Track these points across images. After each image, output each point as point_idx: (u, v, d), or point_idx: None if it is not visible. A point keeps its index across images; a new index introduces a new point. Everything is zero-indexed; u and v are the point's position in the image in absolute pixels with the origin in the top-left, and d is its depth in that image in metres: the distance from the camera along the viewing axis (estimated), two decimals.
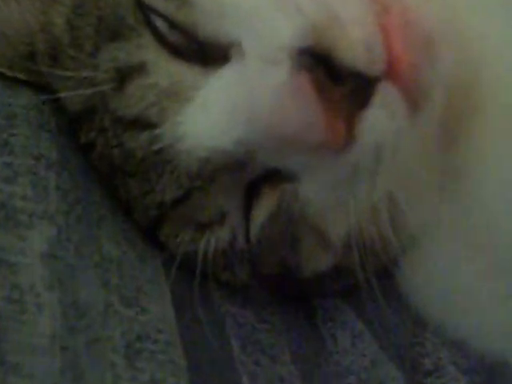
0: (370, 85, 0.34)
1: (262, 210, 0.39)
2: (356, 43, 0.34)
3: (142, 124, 0.38)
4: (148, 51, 0.38)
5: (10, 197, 0.38)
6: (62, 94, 0.42)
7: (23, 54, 0.44)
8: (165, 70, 0.37)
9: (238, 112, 0.35)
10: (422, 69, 0.36)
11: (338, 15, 0.34)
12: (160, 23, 0.37)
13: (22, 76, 0.45)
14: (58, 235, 0.38)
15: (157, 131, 0.38)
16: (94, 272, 0.38)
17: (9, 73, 0.45)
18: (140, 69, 0.38)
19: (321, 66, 0.34)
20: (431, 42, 0.36)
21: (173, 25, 0.37)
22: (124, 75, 0.38)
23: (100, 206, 0.42)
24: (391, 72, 0.35)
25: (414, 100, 0.36)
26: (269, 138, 0.35)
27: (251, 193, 0.39)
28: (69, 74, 0.41)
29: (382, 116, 0.35)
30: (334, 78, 0.34)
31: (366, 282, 0.40)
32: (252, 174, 0.38)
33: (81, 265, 0.38)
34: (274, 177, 0.39)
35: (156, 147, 0.38)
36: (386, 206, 0.39)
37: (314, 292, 0.46)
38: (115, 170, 0.41)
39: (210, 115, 0.36)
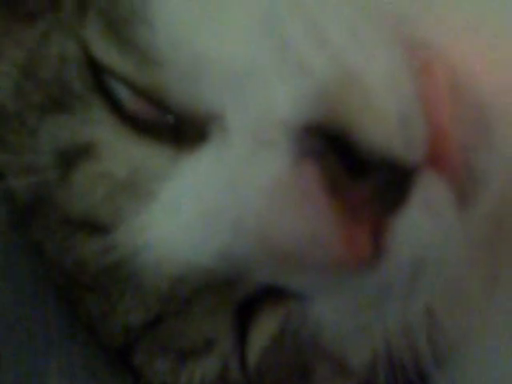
0: (406, 177, 0.26)
1: (261, 334, 0.32)
2: (386, 118, 0.25)
3: (91, 226, 0.31)
4: (99, 127, 0.30)
5: None
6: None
7: None
8: (121, 153, 0.30)
9: (219, 215, 0.27)
10: (475, 150, 0.27)
11: (360, 75, 0.25)
12: (117, 88, 0.30)
13: None
14: None
15: (110, 237, 0.30)
16: None
17: None
18: (88, 151, 0.30)
19: (334, 151, 0.25)
20: (487, 113, 0.27)
21: (134, 90, 0.29)
22: (68, 160, 0.31)
23: (53, 327, 0.35)
24: (435, 157, 0.26)
25: (465, 191, 0.28)
26: (261, 252, 0.27)
27: (245, 312, 0.32)
28: (7, 157, 0.33)
29: (422, 219, 0.27)
30: (353, 169, 0.25)
31: None
32: (243, 292, 0.31)
33: None
34: (274, 292, 0.31)
35: (110, 259, 0.30)
36: (423, 323, 0.32)
37: None
38: (69, 281, 0.34)
39: (180, 218, 0.28)
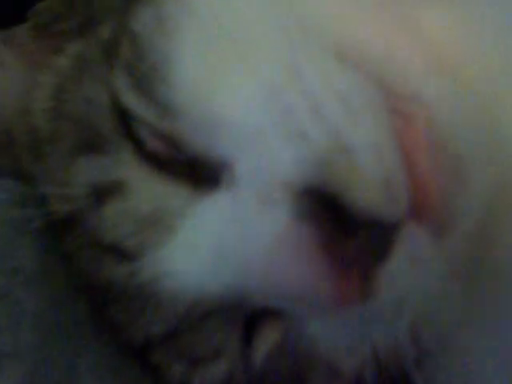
0: (391, 230, 0.29)
1: (264, 344, 0.35)
2: (371, 184, 0.28)
3: (119, 254, 0.34)
4: (127, 168, 0.33)
5: None
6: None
7: (3, 141, 0.40)
8: (147, 191, 0.33)
9: (228, 254, 0.30)
10: (451, 195, 0.30)
11: (349, 146, 0.28)
12: (143, 133, 0.32)
13: (4, 161, 0.41)
14: (29, 377, 0.34)
15: (135, 264, 0.33)
16: None
17: None
18: (118, 189, 0.33)
19: (328, 211, 0.28)
20: (461, 163, 0.30)
21: (157, 134, 0.32)
22: (100, 194, 0.33)
23: (83, 329, 0.38)
24: (417, 210, 0.29)
25: (440, 227, 0.30)
26: (262, 290, 0.30)
27: (250, 325, 0.35)
28: (44, 187, 0.36)
29: (405, 266, 0.30)
30: (346, 227, 0.28)
31: None
32: (248, 312, 0.34)
33: None
34: (273, 314, 0.34)
35: (135, 282, 0.33)
36: (408, 338, 0.34)
37: None
38: (96, 292, 0.36)
39: (196, 253, 0.32)
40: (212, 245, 0.31)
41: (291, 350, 0.35)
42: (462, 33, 0.33)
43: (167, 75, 0.31)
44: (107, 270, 0.34)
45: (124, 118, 0.33)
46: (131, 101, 0.32)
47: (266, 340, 0.35)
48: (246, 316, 0.34)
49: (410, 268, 0.30)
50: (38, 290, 0.37)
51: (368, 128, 0.28)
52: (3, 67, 0.41)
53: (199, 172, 0.31)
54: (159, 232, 0.32)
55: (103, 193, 0.33)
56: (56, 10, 0.40)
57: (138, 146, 0.33)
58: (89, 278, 0.36)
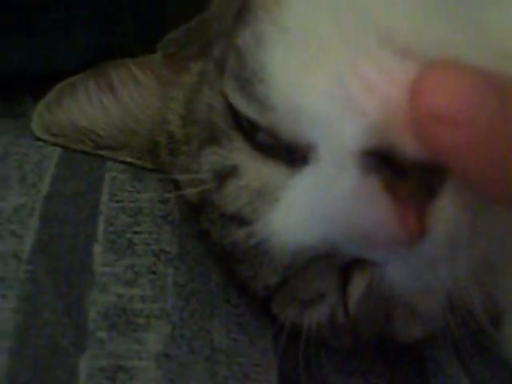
0: (437, 174, 0.34)
1: (355, 290, 0.42)
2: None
3: (239, 221, 0.42)
4: (239, 154, 0.41)
5: (129, 300, 0.43)
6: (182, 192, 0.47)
7: (149, 147, 0.49)
8: (254, 172, 0.40)
9: (317, 214, 0.37)
10: None
11: (397, 111, 0.33)
12: (247, 126, 0.40)
13: (149, 166, 0.50)
14: (172, 333, 0.42)
15: (251, 228, 0.41)
16: (203, 366, 0.42)
17: (138, 163, 0.50)
18: (233, 171, 0.41)
19: (387, 164, 0.34)
20: None
21: (258, 127, 0.39)
22: (221, 176, 0.42)
23: (214, 295, 0.46)
24: None
25: None
26: (346, 237, 0.37)
27: (344, 275, 0.42)
28: (179, 176, 0.46)
29: (452, 205, 0.35)
30: (400, 173, 0.34)
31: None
32: (340, 263, 0.41)
33: (191, 361, 0.42)
34: (360, 263, 0.41)
35: (252, 242, 0.41)
36: (474, 285, 0.40)
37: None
38: (227, 256, 0.45)
39: (294, 215, 0.39)
40: (305, 207, 0.38)
41: (376, 293, 0.41)
42: None
43: (264, 78, 0.38)
44: (231, 234, 0.43)
45: (234, 115, 0.41)
46: (237, 100, 0.40)
47: (357, 287, 0.42)
48: (339, 265, 0.41)
49: (458, 207, 0.35)
50: (178, 267, 0.45)
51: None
52: (140, 86, 0.50)
53: (293, 154, 0.38)
54: (267, 201, 0.40)
55: (223, 175, 0.42)
56: (180, 41, 0.50)
57: (246, 137, 0.40)
58: (220, 246, 0.45)
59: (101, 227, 0.46)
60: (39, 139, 0.51)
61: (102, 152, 0.51)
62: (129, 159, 0.50)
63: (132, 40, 0.50)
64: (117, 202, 0.48)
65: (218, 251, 0.46)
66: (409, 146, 0.33)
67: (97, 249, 0.45)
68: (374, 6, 0.36)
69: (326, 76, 0.36)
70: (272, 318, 0.45)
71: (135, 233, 0.46)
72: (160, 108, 0.49)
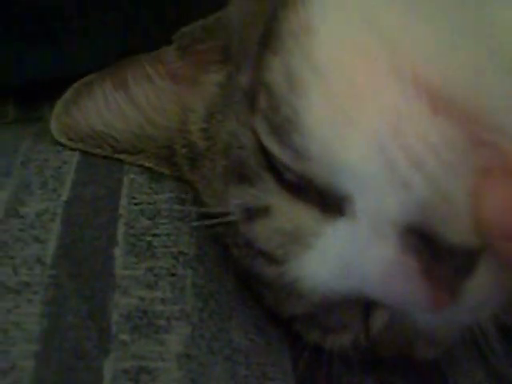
0: (473, 255, 0.35)
1: (378, 322, 0.43)
2: (462, 225, 0.34)
3: (269, 259, 0.42)
4: (271, 195, 0.41)
5: (150, 303, 0.44)
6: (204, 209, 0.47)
7: (166, 154, 0.50)
8: (287, 213, 0.40)
9: (351, 269, 0.38)
10: None
11: (445, 194, 0.33)
12: (281, 167, 0.39)
13: (167, 172, 0.51)
14: (192, 333, 0.43)
15: (282, 268, 0.42)
16: (223, 366, 0.43)
17: (156, 168, 0.51)
18: (265, 212, 0.41)
19: (425, 243, 0.34)
20: None
21: (291, 172, 0.39)
22: (251, 215, 0.42)
23: (232, 296, 0.47)
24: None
25: None
26: (377, 296, 0.38)
27: (368, 306, 0.43)
28: (203, 171, 0.46)
29: (485, 281, 0.36)
30: (437, 256, 0.34)
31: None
32: (366, 301, 0.42)
33: (211, 361, 0.43)
34: None
35: (282, 281, 0.42)
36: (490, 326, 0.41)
37: None
38: (250, 277, 0.46)
39: (328, 264, 0.39)
40: (338, 258, 0.38)
41: (398, 324, 0.42)
42: None
43: (299, 127, 0.37)
44: (259, 268, 0.43)
45: (265, 155, 0.40)
46: (270, 144, 0.39)
47: (379, 320, 0.43)
48: (364, 302, 0.42)
49: (490, 282, 0.36)
50: (196, 269, 0.46)
51: (459, 178, 0.33)
52: (156, 87, 0.50)
53: (327, 200, 0.38)
54: (300, 245, 0.40)
55: (254, 214, 0.42)
56: (196, 34, 0.49)
57: (278, 177, 0.40)
58: (242, 265, 0.45)
59: (121, 230, 0.47)
60: (58, 143, 0.52)
61: (121, 156, 0.52)
62: (146, 164, 0.51)
63: (152, 45, 0.50)
64: (136, 204, 0.49)
65: (238, 266, 0.46)
66: (459, 236, 0.34)
67: (117, 252, 0.46)
68: (414, 46, 0.35)
69: (364, 132, 0.35)
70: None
71: (154, 235, 0.47)
72: (177, 113, 0.49)
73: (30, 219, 0.46)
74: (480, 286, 0.36)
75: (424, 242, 0.34)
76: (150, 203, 0.49)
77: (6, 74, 0.54)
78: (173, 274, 0.45)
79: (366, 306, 0.43)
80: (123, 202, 0.49)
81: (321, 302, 0.42)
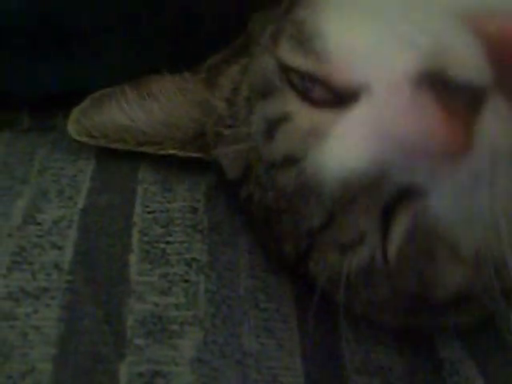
0: (482, 93, 0.37)
1: (398, 231, 0.42)
2: (466, 61, 0.38)
3: (289, 161, 0.44)
4: (291, 104, 0.44)
5: (165, 308, 0.45)
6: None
7: (192, 136, 0.52)
8: (305, 116, 0.43)
9: (370, 136, 0.40)
10: None
11: (447, 42, 0.38)
12: (298, 81, 0.43)
13: (193, 154, 0.52)
14: (204, 339, 0.44)
15: (302, 164, 0.43)
16: (234, 371, 0.44)
17: (181, 154, 0.52)
18: (285, 118, 0.44)
19: (439, 89, 0.37)
20: None
21: (310, 79, 0.43)
22: (272, 125, 0.44)
23: (243, 301, 0.47)
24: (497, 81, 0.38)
25: None
26: (398, 151, 0.39)
27: (387, 216, 0.43)
28: (227, 132, 0.48)
29: (494, 120, 0.38)
30: (449, 93, 0.37)
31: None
32: (387, 195, 0.41)
33: (223, 365, 0.44)
34: (405, 197, 0.42)
35: (302, 179, 0.43)
36: (506, 227, 0.40)
37: (436, 324, 0.49)
38: (270, 213, 0.47)
39: (345, 143, 0.41)
40: (356, 134, 0.40)
41: (420, 233, 0.42)
42: None
43: (320, 33, 0.42)
44: (280, 180, 0.45)
45: (286, 74, 0.44)
46: (293, 58, 0.43)
47: (400, 227, 0.42)
48: (384, 202, 0.42)
49: (499, 122, 0.38)
50: (209, 275, 0.46)
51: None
52: (181, 91, 0.52)
53: (342, 100, 0.41)
54: (316, 137, 0.42)
55: (275, 123, 0.44)
56: (220, 61, 0.52)
57: (296, 90, 0.43)
58: (263, 204, 0.46)
59: (135, 238, 0.48)
60: (76, 140, 0.53)
61: (143, 148, 0.52)
62: (171, 151, 0.52)
63: (167, 64, 0.51)
64: (149, 212, 0.50)
65: (259, 214, 0.47)
66: (469, 72, 0.37)
67: (132, 259, 0.47)
68: None
69: (376, 25, 0.40)
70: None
71: (168, 243, 0.48)
72: (203, 111, 0.51)
73: (47, 226, 0.48)
74: (491, 133, 0.38)
75: (437, 87, 0.37)
76: (163, 211, 0.50)
77: (19, 87, 0.55)
78: (186, 281, 0.46)
79: (385, 216, 0.43)
80: (137, 210, 0.50)
81: (340, 198, 0.42)
